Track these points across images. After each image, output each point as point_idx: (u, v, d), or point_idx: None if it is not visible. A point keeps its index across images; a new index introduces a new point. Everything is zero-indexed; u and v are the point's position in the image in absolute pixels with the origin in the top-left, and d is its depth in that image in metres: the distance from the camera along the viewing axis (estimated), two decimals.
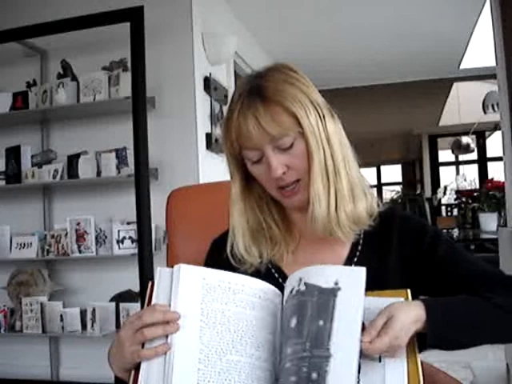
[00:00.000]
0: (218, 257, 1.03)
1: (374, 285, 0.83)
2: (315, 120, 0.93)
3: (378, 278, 0.86)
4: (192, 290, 0.79)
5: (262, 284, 0.85)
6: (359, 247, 0.99)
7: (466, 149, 7.51)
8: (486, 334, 0.85)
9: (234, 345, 0.78)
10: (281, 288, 0.90)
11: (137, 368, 0.77)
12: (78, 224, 2.83)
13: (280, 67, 0.97)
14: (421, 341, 0.81)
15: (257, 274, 0.97)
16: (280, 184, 0.94)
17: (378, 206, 1.01)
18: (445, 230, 6.20)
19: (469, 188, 6.72)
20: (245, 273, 0.96)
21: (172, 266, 0.82)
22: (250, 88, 0.94)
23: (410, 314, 0.78)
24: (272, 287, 0.87)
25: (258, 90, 0.92)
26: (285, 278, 0.97)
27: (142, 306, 0.83)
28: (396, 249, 0.98)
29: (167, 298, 0.80)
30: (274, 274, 1.00)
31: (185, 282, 0.80)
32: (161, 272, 0.82)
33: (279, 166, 0.92)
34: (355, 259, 0.98)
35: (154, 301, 0.80)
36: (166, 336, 0.77)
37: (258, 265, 0.99)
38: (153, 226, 2.65)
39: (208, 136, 3.06)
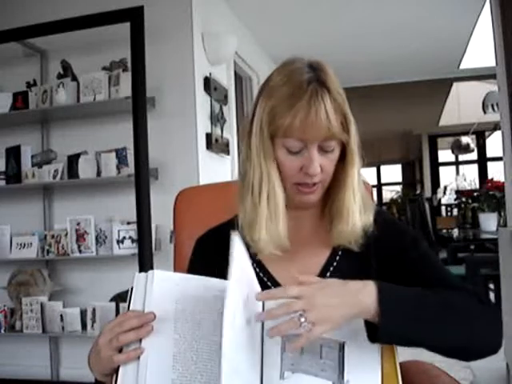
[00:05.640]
0: (204, 254, 1.05)
1: None
2: (355, 128, 0.94)
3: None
4: (164, 296, 0.81)
5: (237, 286, 0.85)
6: (339, 252, 0.99)
7: (466, 149, 7.52)
8: (435, 329, 0.82)
9: (209, 350, 0.79)
10: (260, 282, 0.91)
11: (117, 372, 0.79)
12: (78, 224, 2.83)
13: (326, 64, 0.95)
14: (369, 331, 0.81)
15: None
16: (305, 181, 0.94)
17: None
18: (445, 230, 6.20)
19: (469, 188, 6.72)
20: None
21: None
22: (317, 78, 0.90)
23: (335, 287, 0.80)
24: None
25: (324, 83, 0.90)
26: (266, 272, 0.99)
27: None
28: (379, 253, 0.98)
29: (141, 304, 0.81)
30: (255, 268, 0.98)
31: (157, 287, 0.81)
32: (138, 278, 0.83)
33: (318, 165, 0.91)
34: (335, 263, 0.98)
35: (131, 307, 0.82)
36: (140, 340, 0.78)
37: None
38: (153, 226, 2.65)
39: (208, 136, 3.06)
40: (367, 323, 0.82)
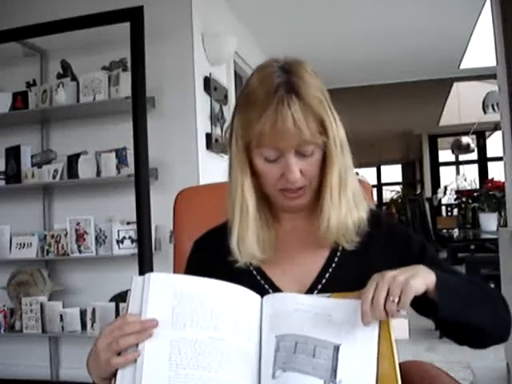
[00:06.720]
0: (201, 256, 1.05)
1: (353, 286, 0.86)
2: (336, 127, 0.92)
3: (358, 281, 0.87)
4: (162, 298, 0.80)
5: (237, 289, 0.85)
6: (338, 253, 0.98)
7: (466, 149, 7.52)
8: (484, 310, 0.89)
9: (208, 352, 0.78)
10: (259, 287, 0.90)
11: (115, 376, 0.79)
12: (78, 224, 2.82)
13: (303, 64, 0.93)
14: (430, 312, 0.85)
15: (236, 271, 0.96)
16: (288, 186, 0.93)
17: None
18: (445, 230, 6.21)
19: (469, 188, 6.72)
20: (235, 268, 0.96)
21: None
22: (286, 83, 0.88)
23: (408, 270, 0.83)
24: (249, 292, 0.87)
25: (293, 87, 0.88)
26: (264, 277, 0.98)
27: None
28: (380, 255, 0.98)
29: (139, 307, 0.81)
30: (252, 272, 0.98)
31: (154, 290, 0.81)
32: (135, 280, 0.83)
33: (297, 171, 0.91)
34: (333, 264, 0.97)
35: (129, 310, 0.82)
36: (137, 344, 0.78)
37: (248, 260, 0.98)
38: (153, 226, 2.65)
39: (208, 136, 3.06)
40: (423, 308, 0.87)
